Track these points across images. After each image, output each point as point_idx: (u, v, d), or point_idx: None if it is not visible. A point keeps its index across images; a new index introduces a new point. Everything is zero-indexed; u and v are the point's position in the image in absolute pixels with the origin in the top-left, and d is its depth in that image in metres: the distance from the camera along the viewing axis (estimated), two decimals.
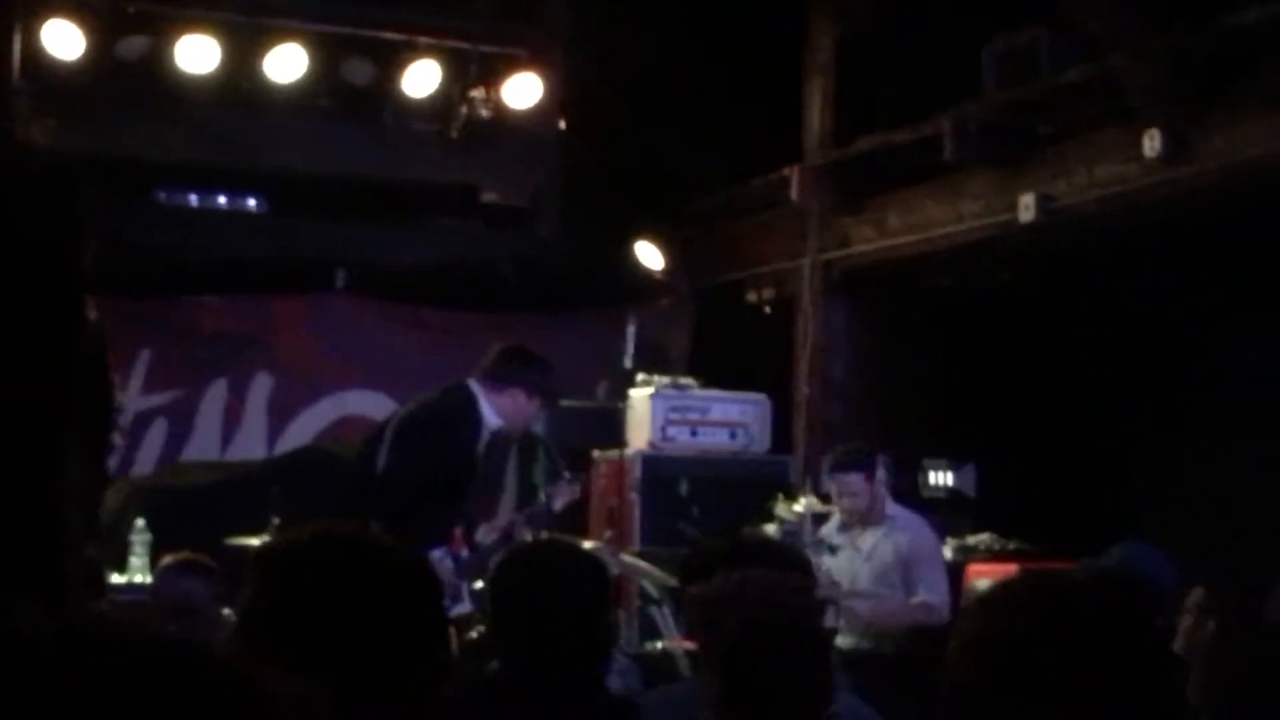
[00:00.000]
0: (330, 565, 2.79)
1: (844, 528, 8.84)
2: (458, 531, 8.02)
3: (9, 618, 1.17)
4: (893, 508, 8.85)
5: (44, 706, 1.12)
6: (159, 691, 1.15)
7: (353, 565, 2.78)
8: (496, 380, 8.02)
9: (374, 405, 11.75)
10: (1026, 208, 9.63)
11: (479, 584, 7.58)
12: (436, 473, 7.82)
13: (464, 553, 7.98)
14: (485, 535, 8.24)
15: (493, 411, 8.01)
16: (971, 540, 10.12)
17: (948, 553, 9.39)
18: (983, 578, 8.94)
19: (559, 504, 8.47)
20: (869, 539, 8.71)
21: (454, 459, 7.97)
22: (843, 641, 8.27)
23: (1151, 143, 8.78)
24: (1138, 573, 6.03)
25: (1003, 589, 2.55)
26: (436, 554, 7.65)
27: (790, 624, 4.23)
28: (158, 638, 1.20)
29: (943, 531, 9.26)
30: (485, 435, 8.13)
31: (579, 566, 4.21)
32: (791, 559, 5.20)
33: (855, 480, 8.75)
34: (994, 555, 9.88)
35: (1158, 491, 10.46)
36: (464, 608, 7.53)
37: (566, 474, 8.72)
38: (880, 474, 8.82)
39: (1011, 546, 10.06)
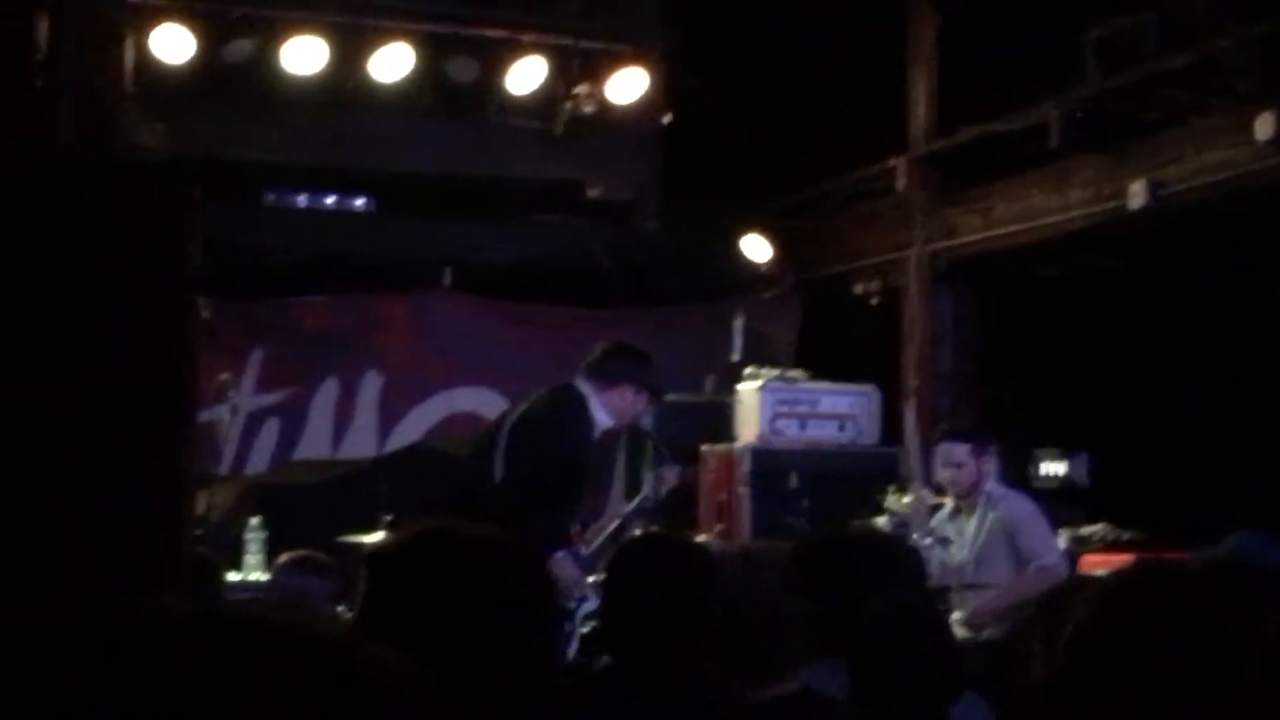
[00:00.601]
0: (441, 563, 2.81)
1: (954, 515, 8.78)
2: (575, 530, 8.05)
3: (146, 607, 1.21)
4: (992, 486, 8.74)
5: (186, 682, 1.16)
6: (286, 668, 1.19)
7: (462, 562, 2.81)
8: (604, 378, 8.01)
9: (483, 402, 11.83)
10: (1136, 194, 9.54)
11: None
12: (553, 477, 7.84)
13: (583, 550, 8.01)
14: (596, 532, 8.27)
15: (603, 410, 8.01)
16: (1085, 531, 10.02)
17: (1061, 543, 9.28)
18: (1097, 569, 8.84)
19: (664, 489, 8.48)
20: (973, 524, 8.63)
21: (569, 461, 7.99)
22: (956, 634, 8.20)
23: (1263, 126, 8.66)
24: (1251, 562, 5.96)
25: (1117, 580, 2.53)
26: (559, 555, 7.67)
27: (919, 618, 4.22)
28: (284, 620, 1.24)
29: (1055, 522, 9.15)
30: (596, 434, 8.15)
31: (689, 560, 4.20)
32: (900, 552, 5.18)
33: (960, 450, 8.64)
34: (1108, 546, 9.78)
35: (1274, 479, 10.32)
36: (591, 605, 7.52)
37: (665, 468, 8.73)
38: (989, 456, 8.72)
39: (1126, 537, 9.94)
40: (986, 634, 8.22)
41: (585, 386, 8.01)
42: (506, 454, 7.85)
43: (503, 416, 8.38)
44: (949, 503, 8.97)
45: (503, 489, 7.76)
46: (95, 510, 3.19)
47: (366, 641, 1.27)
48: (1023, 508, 8.65)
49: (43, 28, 4.11)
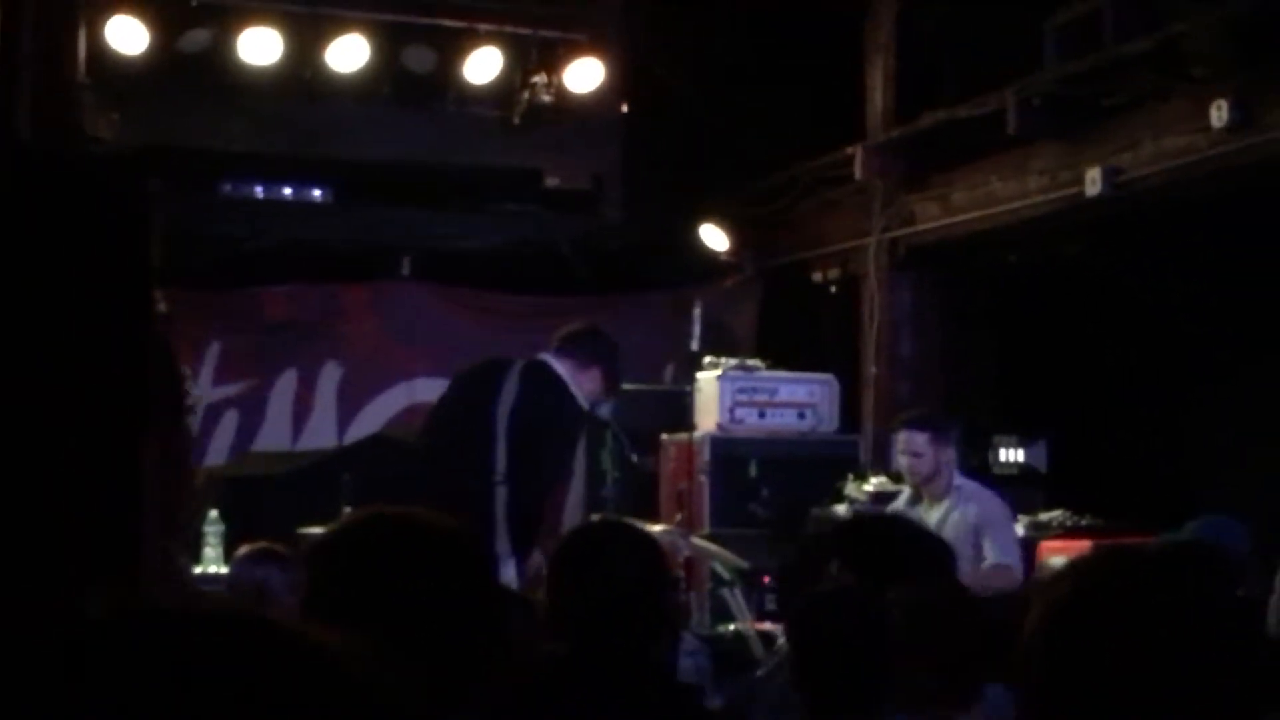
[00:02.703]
0: (380, 552, 2.80)
1: (913, 503, 8.80)
2: None
3: (76, 609, 1.19)
4: (959, 479, 8.77)
5: (108, 685, 1.14)
6: (216, 660, 1.16)
7: (403, 549, 2.80)
8: (580, 358, 7.78)
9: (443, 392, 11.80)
10: (1093, 181, 9.55)
11: None
12: (555, 460, 7.72)
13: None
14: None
15: (577, 391, 7.82)
16: (1044, 517, 10.05)
17: (1020, 529, 9.32)
18: (1056, 554, 8.87)
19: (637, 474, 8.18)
20: (936, 514, 8.65)
21: (569, 444, 7.88)
22: None
23: (1219, 113, 8.68)
24: (1213, 546, 5.98)
25: (1076, 565, 2.53)
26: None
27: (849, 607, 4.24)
28: (213, 610, 1.21)
29: (1015, 508, 9.19)
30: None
31: (629, 547, 4.19)
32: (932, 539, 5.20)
33: (919, 440, 8.63)
34: (1067, 531, 9.81)
35: (1231, 464, 10.38)
36: None
37: (634, 456, 8.68)
38: (950, 446, 8.74)
39: (1085, 522, 9.98)
40: None
41: (560, 365, 7.80)
42: (511, 446, 7.56)
43: (466, 400, 8.07)
44: (906, 490, 8.99)
45: (515, 481, 7.50)
46: (58, 511, 3.17)
47: (317, 630, 1.25)
48: (994, 510, 8.66)
49: None
